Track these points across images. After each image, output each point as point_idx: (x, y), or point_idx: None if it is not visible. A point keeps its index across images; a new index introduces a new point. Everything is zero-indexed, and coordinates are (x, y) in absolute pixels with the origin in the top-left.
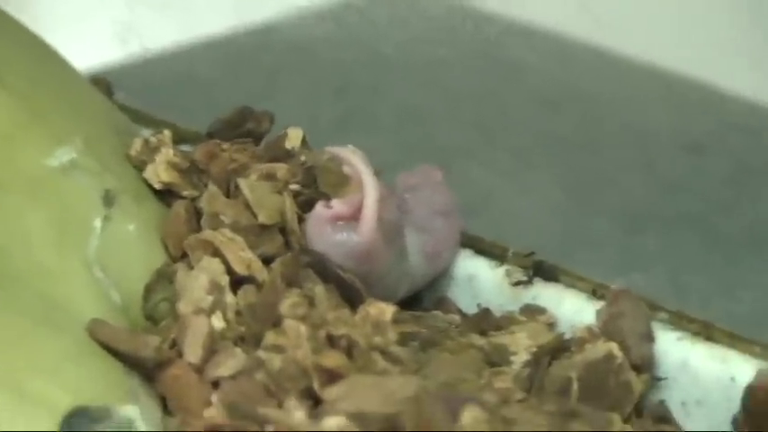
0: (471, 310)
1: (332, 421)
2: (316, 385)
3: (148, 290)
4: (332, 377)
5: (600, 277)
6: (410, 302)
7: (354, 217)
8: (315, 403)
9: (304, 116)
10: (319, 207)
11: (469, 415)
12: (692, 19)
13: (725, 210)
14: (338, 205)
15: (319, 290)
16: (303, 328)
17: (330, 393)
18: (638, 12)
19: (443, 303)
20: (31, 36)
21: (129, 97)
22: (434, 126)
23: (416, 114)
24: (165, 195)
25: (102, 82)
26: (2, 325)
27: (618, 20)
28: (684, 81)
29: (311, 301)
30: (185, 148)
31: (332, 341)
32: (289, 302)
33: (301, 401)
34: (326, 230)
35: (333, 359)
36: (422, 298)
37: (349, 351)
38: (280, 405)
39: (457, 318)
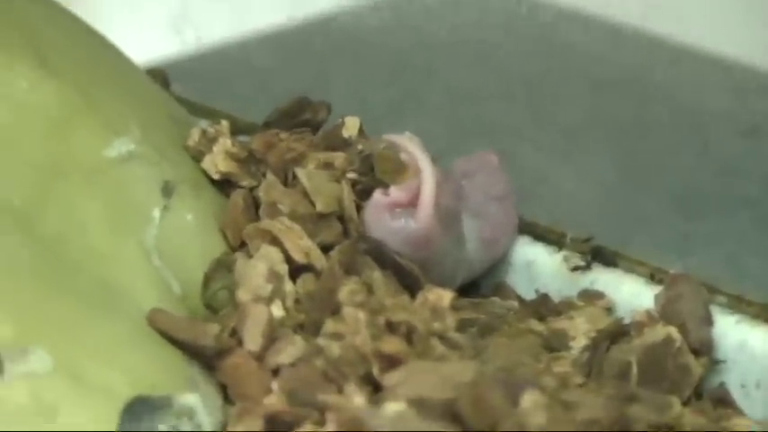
0: (530, 295)
1: (392, 406)
2: (375, 371)
3: (208, 278)
4: (391, 363)
5: (657, 261)
6: (468, 289)
7: (412, 203)
8: (374, 389)
9: (360, 103)
10: (377, 194)
11: (529, 399)
12: (746, 3)
13: None
14: (395, 192)
15: (377, 276)
16: (362, 315)
17: (390, 379)
18: None
19: (502, 289)
20: (85, 27)
21: (186, 88)
22: (489, 109)
23: (470, 98)
24: (224, 185)
25: (159, 74)
26: (60, 310)
27: (670, 4)
28: (738, 64)
29: (369, 288)
30: (243, 138)
31: (391, 327)
32: (347, 290)
33: (361, 387)
34: (384, 217)
35: (392, 345)
36: (480, 284)
37: (408, 337)
38: (340, 391)
39: (515, 304)
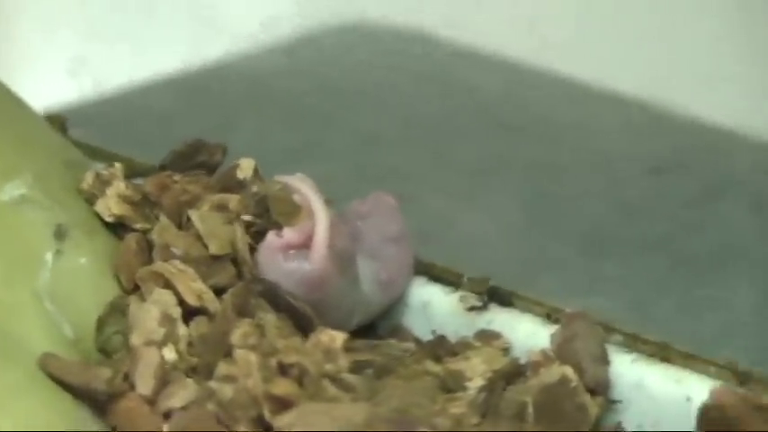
0: (427, 336)
1: None
2: (266, 414)
3: (101, 323)
4: (283, 405)
5: (563, 302)
6: (366, 331)
7: (305, 245)
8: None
9: (258, 148)
10: (270, 236)
11: None
12: (643, 40)
13: (688, 232)
14: (289, 233)
15: (269, 318)
16: (253, 357)
17: (281, 421)
18: (585, 32)
19: (399, 331)
20: None
21: (85, 133)
22: (389, 152)
23: (369, 141)
24: (118, 228)
25: (57, 119)
26: None
27: (566, 41)
28: (636, 102)
29: (263, 331)
30: (140, 181)
31: (283, 369)
32: (240, 332)
33: (253, 430)
34: (278, 259)
35: (283, 387)
36: (377, 326)
37: (300, 379)
38: None
39: (412, 345)
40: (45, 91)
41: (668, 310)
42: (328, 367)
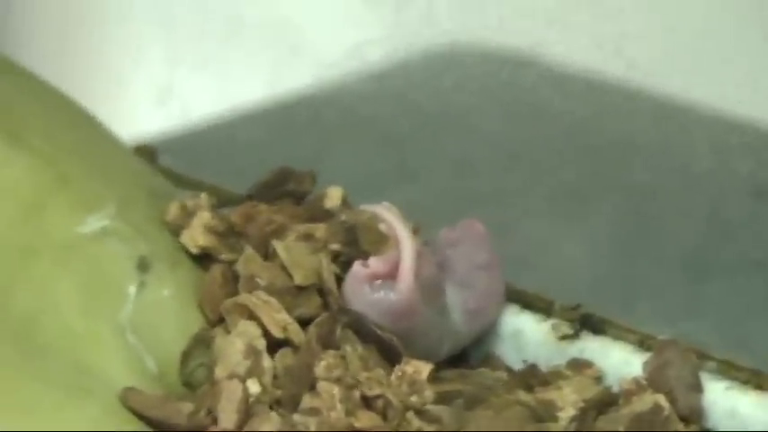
0: (518, 366)
1: None
2: None
3: (186, 355)
4: None
5: (661, 327)
6: (457, 360)
7: (392, 275)
8: None
9: (347, 174)
10: (356, 266)
11: None
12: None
13: None
14: (375, 263)
15: (351, 350)
16: (337, 390)
17: None
18: (672, 51)
19: (490, 360)
20: (64, 102)
21: (173, 162)
22: (479, 177)
23: (457, 166)
24: (203, 259)
25: (146, 149)
26: (31, 396)
27: (653, 60)
28: (728, 121)
29: (347, 363)
30: (226, 211)
31: (367, 402)
32: (324, 364)
33: None
34: (364, 289)
35: (365, 420)
36: (469, 355)
37: (384, 412)
38: None
39: (504, 374)
40: (134, 120)
41: (765, 336)
42: (413, 399)
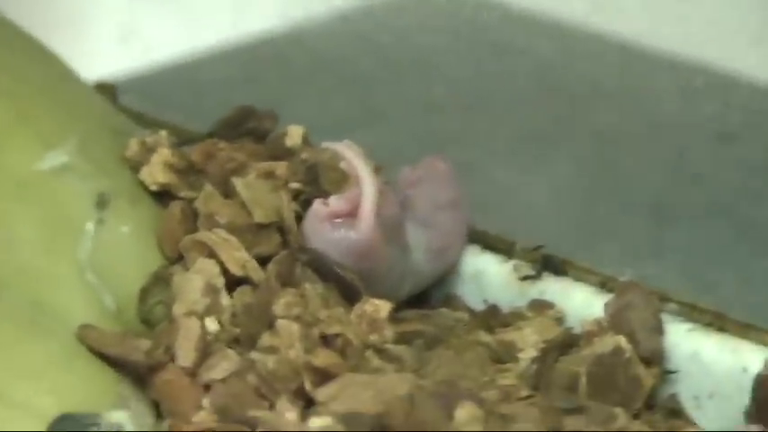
0: (480, 306)
1: (318, 422)
2: (307, 385)
3: (144, 293)
4: (324, 377)
5: (623, 270)
6: (418, 301)
7: (352, 214)
8: (308, 404)
9: (312, 115)
10: (317, 204)
11: (464, 412)
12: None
13: (755, 199)
14: (335, 202)
15: (311, 288)
16: (296, 328)
17: (321, 393)
18: None
19: (451, 301)
20: (24, 38)
21: (134, 100)
22: (445, 118)
23: (422, 106)
24: (163, 197)
25: (107, 87)
26: None
27: (618, 2)
28: (696, 66)
29: (307, 301)
30: (187, 149)
31: (326, 340)
32: (283, 302)
33: (294, 403)
34: (324, 228)
35: (324, 358)
36: (430, 296)
37: (343, 350)
38: (272, 407)
39: (465, 315)
40: (95, 59)
41: (728, 280)
42: (372, 338)
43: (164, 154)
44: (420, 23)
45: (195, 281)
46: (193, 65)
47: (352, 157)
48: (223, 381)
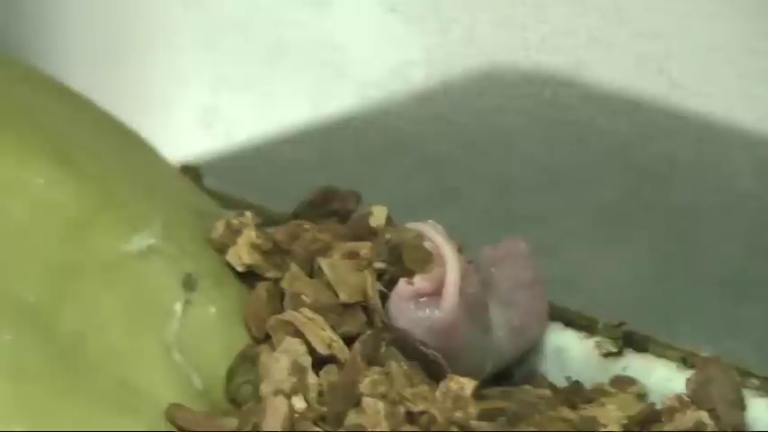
0: (562, 383)
1: None
2: None
3: (231, 372)
4: None
5: (701, 347)
6: (501, 378)
7: (437, 293)
8: None
9: (391, 195)
10: (401, 284)
11: None
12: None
13: None
14: (420, 281)
15: (396, 366)
16: (381, 406)
17: None
18: (717, 71)
19: (533, 378)
20: (109, 121)
21: (218, 183)
22: (522, 198)
23: (503, 186)
24: (249, 277)
25: (192, 169)
26: (75, 412)
27: (696, 81)
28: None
29: (392, 379)
30: (271, 230)
31: (411, 418)
32: (368, 380)
33: None
34: (409, 307)
35: None
36: (512, 373)
37: (428, 427)
38: None
39: (547, 392)
40: (179, 141)
41: None
42: (458, 415)
43: (250, 235)
44: (498, 104)
45: (282, 360)
46: (273, 146)
47: (435, 236)
48: None
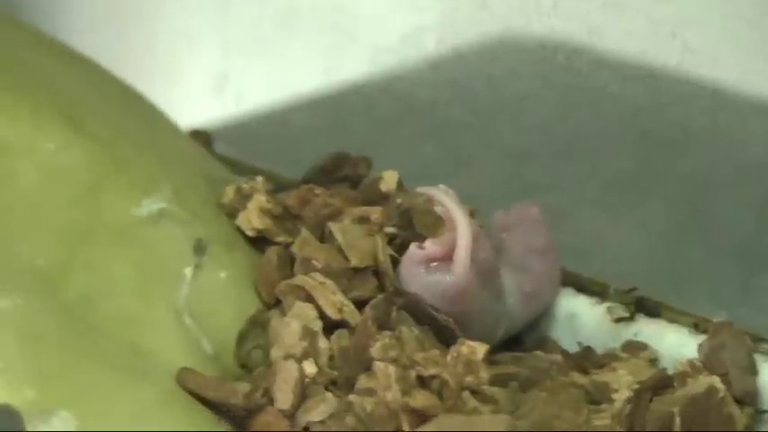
0: (573, 348)
1: None
2: (405, 426)
3: (241, 337)
4: (422, 418)
5: (713, 313)
6: (512, 343)
7: (448, 257)
8: None
9: (403, 161)
10: (412, 248)
11: None
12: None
13: None
14: (431, 246)
15: (407, 331)
16: (392, 370)
17: None
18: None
19: (545, 343)
20: (120, 87)
21: (229, 148)
22: (535, 164)
23: (516, 153)
24: (259, 242)
25: (202, 134)
26: (86, 374)
27: (709, 46)
28: None
29: (403, 344)
30: (282, 195)
31: (423, 382)
32: (379, 345)
33: None
34: (420, 272)
35: (421, 399)
36: (523, 339)
37: (440, 392)
38: None
39: (559, 357)
40: (189, 107)
41: None
42: (469, 379)
43: (260, 200)
44: (511, 70)
45: (293, 325)
46: (285, 112)
47: (447, 201)
48: (322, 422)
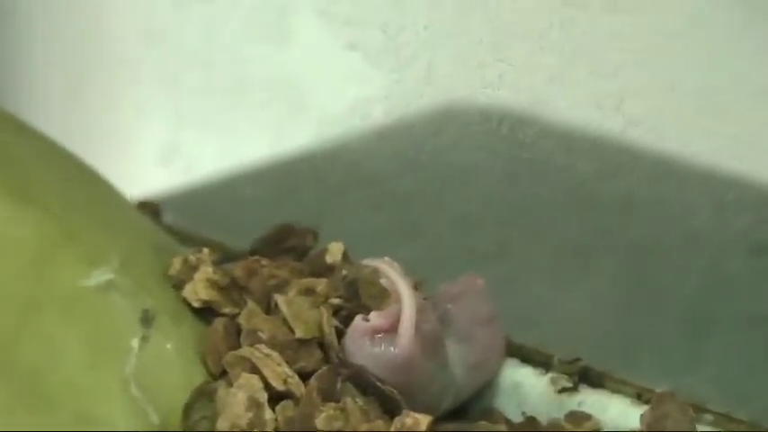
0: (518, 418)
1: None
2: None
3: (188, 408)
4: None
5: (661, 382)
6: (456, 413)
7: (393, 329)
8: None
9: (350, 231)
10: (357, 320)
11: None
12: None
13: None
14: (376, 318)
15: (351, 402)
16: None
17: None
18: (673, 109)
19: (490, 413)
20: (70, 158)
21: (177, 219)
22: (481, 234)
23: (462, 222)
24: (206, 313)
25: (150, 205)
26: None
27: (652, 118)
28: (727, 178)
29: (348, 415)
30: (230, 266)
31: None
32: (324, 416)
33: None
34: (365, 343)
35: None
36: (468, 408)
37: None
38: None
39: (503, 427)
40: (137, 177)
41: (764, 391)
42: None
43: (206, 271)
44: (457, 141)
45: (239, 396)
46: (234, 182)
47: (391, 273)
48: None
